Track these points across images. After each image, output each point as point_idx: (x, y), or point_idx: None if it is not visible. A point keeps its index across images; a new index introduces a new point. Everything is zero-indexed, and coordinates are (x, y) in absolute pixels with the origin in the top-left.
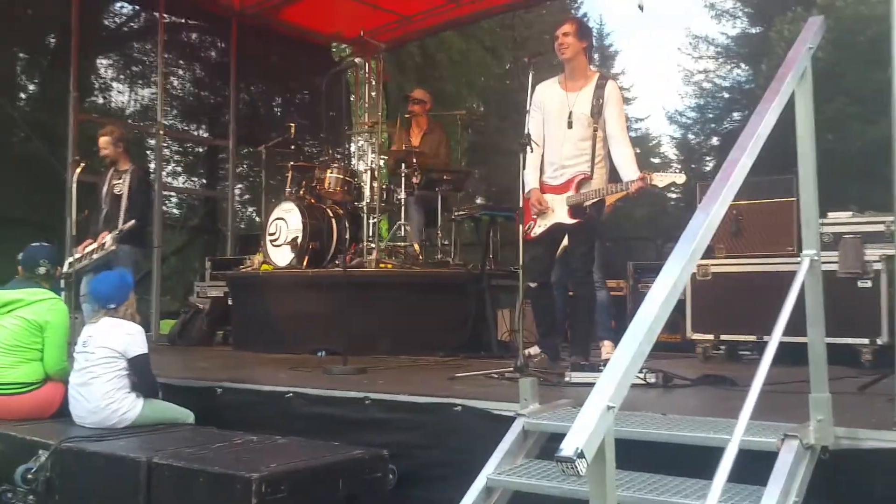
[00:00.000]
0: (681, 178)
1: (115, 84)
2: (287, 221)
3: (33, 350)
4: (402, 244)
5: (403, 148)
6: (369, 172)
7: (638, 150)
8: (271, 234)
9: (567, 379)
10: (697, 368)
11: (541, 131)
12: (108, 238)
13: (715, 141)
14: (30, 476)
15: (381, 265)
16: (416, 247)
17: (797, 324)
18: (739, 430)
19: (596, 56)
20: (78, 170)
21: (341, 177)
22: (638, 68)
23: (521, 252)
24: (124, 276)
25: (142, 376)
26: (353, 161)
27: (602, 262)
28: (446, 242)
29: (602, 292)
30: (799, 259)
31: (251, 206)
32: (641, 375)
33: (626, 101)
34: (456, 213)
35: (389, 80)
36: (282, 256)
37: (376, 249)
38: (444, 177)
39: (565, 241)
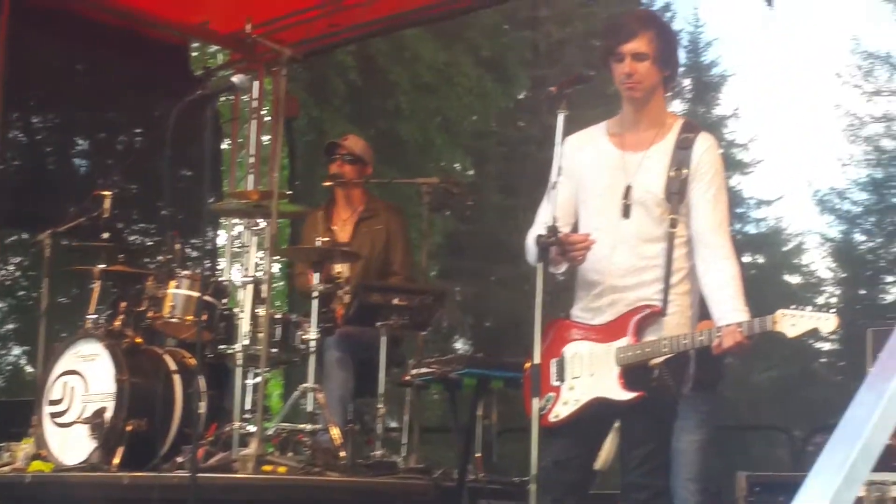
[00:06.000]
0: (829, 324)
1: None
2: (87, 378)
3: None
4: (310, 427)
5: (319, 244)
6: (250, 288)
7: (760, 260)
8: (55, 403)
9: None
10: None
11: (573, 220)
12: None
13: None
14: None
15: (266, 467)
16: (335, 434)
17: None
18: None
19: (686, 82)
20: None
21: (195, 294)
22: (762, 108)
23: (533, 449)
24: None
25: None
26: (222, 265)
27: (703, 467)
28: (395, 426)
29: None
30: None
31: (18, 345)
32: None
33: (740, 168)
34: (415, 372)
35: (298, 114)
36: (73, 446)
37: (258, 436)
38: (395, 300)
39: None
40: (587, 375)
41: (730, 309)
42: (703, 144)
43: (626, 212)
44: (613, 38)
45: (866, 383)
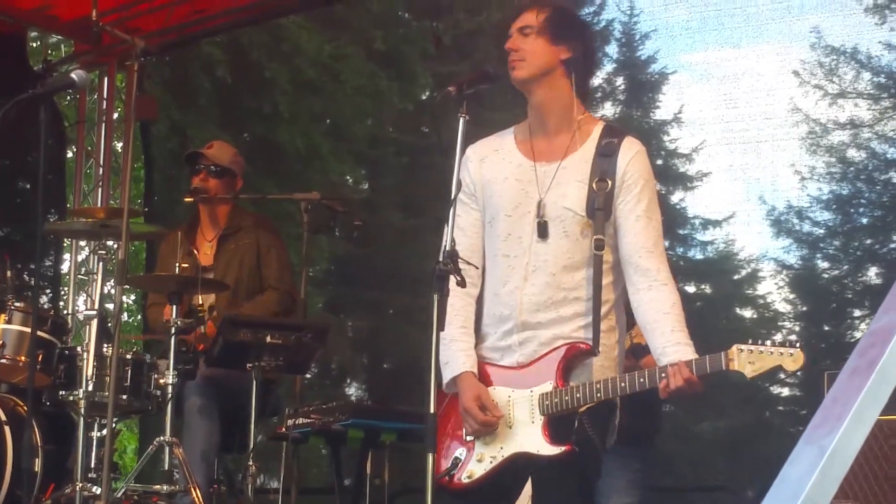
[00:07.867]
0: (794, 361)
1: None
2: None
3: None
4: (167, 489)
5: (178, 270)
6: (94, 323)
7: (707, 290)
8: None
9: None
10: None
11: (480, 244)
12: None
13: (873, 275)
14: None
15: None
16: (196, 496)
17: None
18: None
19: (619, 81)
20: None
21: (29, 330)
22: (709, 112)
23: None
24: None
25: None
26: (65, 295)
27: None
28: (273, 487)
29: None
30: None
31: None
32: None
33: (683, 182)
34: (291, 423)
35: (156, 117)
36: None
37: (105, 499)
38: (268, 337)
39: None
40: (506, 427)
41: (672, 343)
42: (630, 151)
43: (542, 234)
44: (506, 22)
45: (804, 437)
